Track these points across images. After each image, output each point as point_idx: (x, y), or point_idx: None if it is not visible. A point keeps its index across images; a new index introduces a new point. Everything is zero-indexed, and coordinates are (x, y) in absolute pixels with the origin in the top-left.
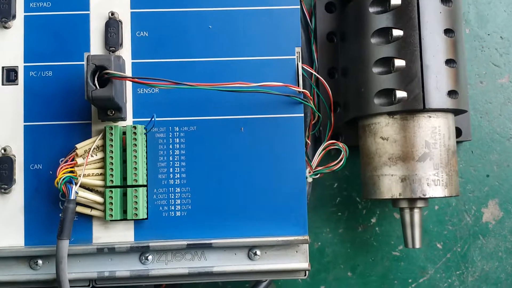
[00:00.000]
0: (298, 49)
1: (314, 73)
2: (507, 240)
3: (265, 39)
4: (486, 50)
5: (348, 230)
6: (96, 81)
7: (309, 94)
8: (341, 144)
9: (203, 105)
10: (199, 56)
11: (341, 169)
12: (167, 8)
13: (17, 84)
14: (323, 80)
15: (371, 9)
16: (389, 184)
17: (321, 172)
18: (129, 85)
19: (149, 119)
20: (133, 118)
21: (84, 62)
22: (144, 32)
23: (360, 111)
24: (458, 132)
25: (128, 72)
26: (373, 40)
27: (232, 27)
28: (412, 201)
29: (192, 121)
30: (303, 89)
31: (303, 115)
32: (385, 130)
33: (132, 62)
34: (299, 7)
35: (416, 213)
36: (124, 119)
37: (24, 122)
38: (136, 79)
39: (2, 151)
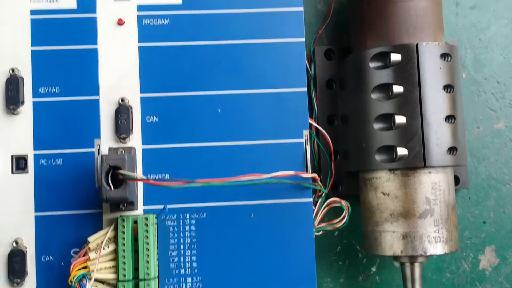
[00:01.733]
0: (306, 132)
1: (314, 123)
2: (503, 287)
3: (273, 122)
4: (483, 94)
5: (349, 279)
6: (110, 180)
7: (317, 177)
8: (343, 202)
9: (213, 191)
10: (209, 140)
11: None
12: (176, 92)
13: (27, 173)
14: (323, 131)
15: (371, 64)
16: (391, 241)
17: (323, 229)
18: (140, 172)
19: (160, 206)
20: (144, 205)
21: (98, 162)
22: (154, 117)
23: (361, 166)
24: (456, 180)
25: (139, 158)
26: (374, 96)
27: (241, 110)
28: (413, 258)
29: (202, 208)
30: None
31: (311, 200)
32: (386, 186)
33: (143, 149)
34: (306, 89)
35: (417, 267)
36: (135, 209)
37: (35, 212)
38: (151, 181)
39: (14, 243)
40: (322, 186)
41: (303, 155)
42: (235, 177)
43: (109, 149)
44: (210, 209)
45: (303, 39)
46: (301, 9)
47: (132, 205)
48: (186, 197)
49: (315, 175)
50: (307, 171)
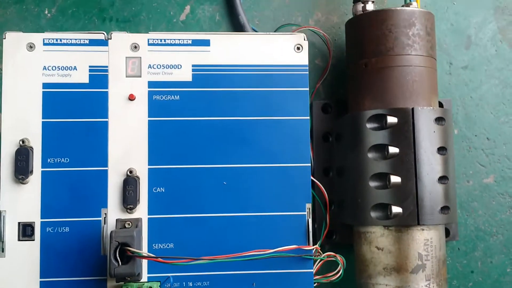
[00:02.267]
0: (308, 206)
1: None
2: None
3: (277, 195)
4: (473, 150)
5: None
6: (118, 255)
7: (319, 248)
8: (338, 257)
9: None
10: (214, 212)
11: None
12: (183, 165)
13: (34, 240)
14: (319, 184)
15: (368, 125)
16: None
17: (318, 281)
18: (145, 243)
19: (163, 274)
20: (148, 273)
21: (108, 237)
22: (161, 188)
23: (357, 221)
24: (447, 232)
25: (145, 228)
26: (370, 155)
27: (246, 183)
28: None
29: (205, 277)
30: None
31: (313, 270)
32: (380, 240)
33: (149, 218)
34: (309, 164)
35: None
36: (139, 279)
37: (40, 278)
38: (160, 259)
39: None
40: (322, 254)
41: (305, 227)
42: (239, 253)
43: (117, 221)
44: (213, 278)
45: (308, 117)
46: (307, 89)
47: (137, 276)
48: (189, 266)
49: (316, 246)
50: (309, 243)
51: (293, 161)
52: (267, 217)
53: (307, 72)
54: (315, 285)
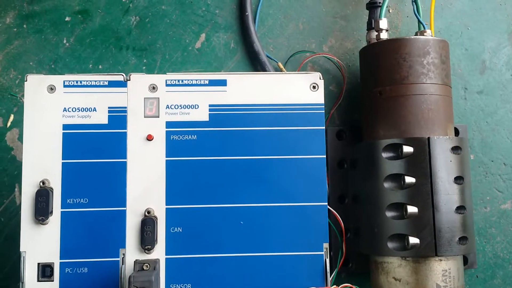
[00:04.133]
0: (326, 245)
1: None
2: None
3: (294, 235)
4: (490, 176)
5: None
6: None
7: None
8: None
9: None
10: (231, 252)
11: None
12: (200, 204)
13: (53, 281)
14: (334, 212)
15: (384, 154)
16: None
17: None
18: (162, 284)
19: None
20: None
21: (126, 283)
22: (179, 228)
23: (374, 251)
24: (465, 260)
25: (162, 268)
26: (386, 184)
27: (263, 223)
28: None
29: None
30: None
31: None
32: (397, 271)
33: (166, 258)
34: (326, 203)
35: None
36: None
37: None
38: None
39: None
40: (338, 287)
41: (323, 267)
42: None
43: (135, 263)
44: None
45: (324, 156)
46: (323, 127)
47: None
48: None
49: (334, 286)
50: (326, 284)
51: (310, 200)
52: (284, 257)
53: (323, 111)
54: None
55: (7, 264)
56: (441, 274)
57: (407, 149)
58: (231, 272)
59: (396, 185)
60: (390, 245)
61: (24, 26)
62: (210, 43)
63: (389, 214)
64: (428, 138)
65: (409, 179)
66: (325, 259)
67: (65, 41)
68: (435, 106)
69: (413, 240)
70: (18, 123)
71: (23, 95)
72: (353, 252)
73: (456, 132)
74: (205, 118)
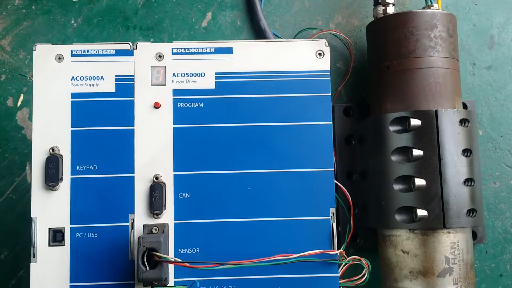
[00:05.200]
0: (333, 210)
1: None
2: None
3: (301, 200)
4: (499, 151)
5: None
6: (145, 260)
7: (344, 253)
8: (363, 261)
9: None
10: (239, 217)
11: None
12: (208, 171)
13: (64, 245)
14: (342, 187)
15: (391, 128)
16: None
17: (344, 285)
18: (171, 248)
19: (190, 278)
20: (174, 278)
21: (135, 241)
22: (186, 194)
23: (381, 224)
24: (474, 235)
25: (171, 233)
26: (394, 158)
27: (269, 188)
28: None
29: (231, 281)
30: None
31: (338, 274)
32: (406, 244)
33: (175, 223)
34: (332, 169)
35: None
36: (166, 284)
37: (70, 282)
38: (186, 264)
39: None
40: (347, 258)
41: (330, 231)
42: (264, 258)
43: (144, 226)
44: (239, 282)
45: (331, 122)
46: (329, 94)
47: (165, 281)
48: (215, 271)
49: (341, 250)
50: (333, 248)
51: (316, 166)
52: (291, 222)
53: (329, 78)
54: None
55: (19, 241)
56: (449, 246)
57: (415, 122)
58: (238, 237)
59: (403, 158)
60: (398, 217)
61: (33, 7)
62: (217, 22)
63: (396, 187)
64: (436, 111)
65: (417, 152)
66: (332, 224)
67: (73, 22)
68: (443, 80)
69: (421, 212)
70: (28, 102)
71: (32, 75)
72: (361, 227)
73: (465, 107)
74: (212, 86)
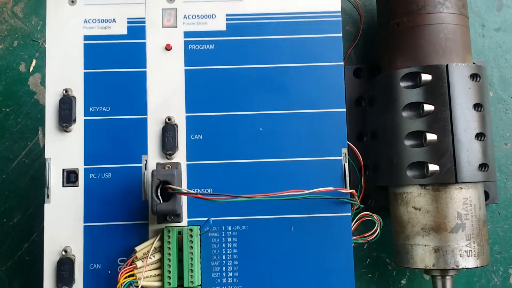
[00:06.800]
0: (344, 150)
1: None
2: None
3: (313, 140)
4: (510, 112)
5: None
6: (159, 194)
7: (355, 193)
8: (375, 216)
9: (254, 205)
10: (250, 157)
11: None
12: (220, 112)
13: (77, 186)
14: (353, 147)
15: (402, 84)
16: (422, 255)
17: (355, 242)
18: (184, 187)
19: (203, 218)
20: (188, 218)
21: (149, 177)
22: (199, 135)
23: (392, 181)
24: (486, 195)
25: (184, 173)
26: (405, 114)
27: (281, 129)
28: (444, 271)
29: (244, 221)
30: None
31: (350, 214)
32: (417, 200)
33: (187, 164)
34: (344, 110)
35: (448, 281)
36: (180, 221)
37: (84, 222)
38: (199, 196)
39: (63, 252)
40: (359, 201)
41: (342, 171)
42: (277, 192)
43: (157, 164)
44: (252, 222)
45: (342, 63)
46: (340, 35)
47: (178, 217)
48: (228, 210)
49: (353, 190)
50: (345, 187)
51: (327, 107)
52: (303, 163)
53: (340, 19)
54: (352, 245)
55: (32, 204)
56: (461, 202)
57: (426, 77)
58: (250, 177)
59: (414, 114)
60: (410, 173)
61: None
62: None
63: (407, 143)
64: (447, 65)
65: (428, 107)
66: (344, 164)
67: None
68: (453, 36)
69: (433, 167)
70: (40, 68)
71: (44, 41)
72: (372, 189)
73: None
74: (223, 27)
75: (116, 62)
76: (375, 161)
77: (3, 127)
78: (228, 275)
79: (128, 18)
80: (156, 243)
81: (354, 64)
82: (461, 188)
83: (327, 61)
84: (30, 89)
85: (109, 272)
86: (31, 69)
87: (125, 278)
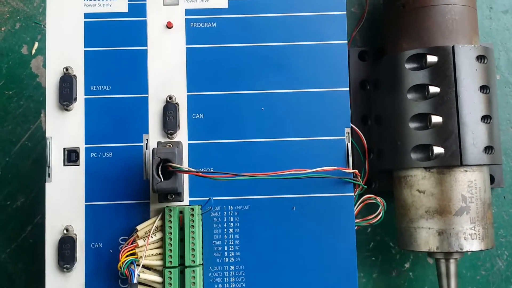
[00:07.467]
0: (347, 130)
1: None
2: None
3: (315, 120)
4: None
5: (382, 275)
6: (160, 173)
7: (358, 172)
8: (379, 199)
9: (256, 184)
10: (252, 137)
11: None
12: (221, 91)
13: (78, 165)
14: (357, 130)
15: (407, 65)
16: (426, 237)
17: (358, 225)
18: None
19: (204, 198)
20: (189, 197)
21: (150, 155)
22: (200, 114)
23: (397, 164)
24: (491, 179)
25: (185, 153)
26: (410, 96)
27: (284, 108)
28: (448, 254)
29: (246, 200)
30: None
31: (353, 194)
32: (421, 183)
33: (189, 143)
34: (347, 89)
35: (452, 264)
36: (181, 200)
37: (85, 202)
38: (200, 174)
39: (65, 231)
40: (361, 182)
41: (345, 151)
42: (279, 171)
43: (158, 143)
44: (253, 201)
45: (346, 41)
46: (344, 12)
47: (179, 196)
48: (230, 189)
49: (356, 170)
50: (348, 166)
51: (331, 86)
52: (306, 142)
53: None
54: (355, 228)
55: (35, 187)
56: (466, 185)
57: (431, 58)
58: (252, 157)
59: (419, 96)
60: (414, 156)
61: None
62: None
63: (412, 125)
64: (453, 47)
65: (433, 89)
66: (347, 144)
67: None
68: (460, 17)
69: (438, 149)
70: (42, 50)
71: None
72: (376, 173)
73: None
74: (225, 5)
75: (116, 40)
76: (379, 146)
77: (6, 110)
78: (230, 255)
79: None
80: (158, 222)
81: (359, 47)
82: (466, 171)
83: (331, 40)
84: (32, 72)
85: (111, 251)
86: (33, 51)
87: (126, 256)
